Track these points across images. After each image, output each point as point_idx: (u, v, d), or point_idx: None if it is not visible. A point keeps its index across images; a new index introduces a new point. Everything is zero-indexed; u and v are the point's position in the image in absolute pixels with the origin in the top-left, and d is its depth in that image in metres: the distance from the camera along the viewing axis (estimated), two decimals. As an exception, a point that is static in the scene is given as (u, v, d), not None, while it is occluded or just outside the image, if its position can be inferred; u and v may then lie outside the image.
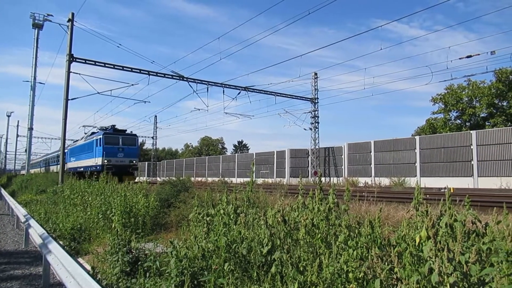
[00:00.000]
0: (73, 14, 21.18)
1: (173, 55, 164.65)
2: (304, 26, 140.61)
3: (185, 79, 26.71)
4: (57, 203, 13.52)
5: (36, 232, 6.86)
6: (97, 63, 23.17)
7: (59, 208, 12.17)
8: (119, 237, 5.52)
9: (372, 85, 44.18)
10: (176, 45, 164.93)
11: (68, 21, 21.17)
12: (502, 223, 2.68)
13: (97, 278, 4.68)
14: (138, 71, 25.00)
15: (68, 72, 20.97)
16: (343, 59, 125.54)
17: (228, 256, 3.77)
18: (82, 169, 28.40)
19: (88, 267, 5.37)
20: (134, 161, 26.74)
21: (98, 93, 24.24)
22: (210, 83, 28.07)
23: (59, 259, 4.61)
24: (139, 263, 4.93)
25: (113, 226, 7.98)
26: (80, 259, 6.91)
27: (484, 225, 2.86)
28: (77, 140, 36.25)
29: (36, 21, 37.69)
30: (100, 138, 26.03)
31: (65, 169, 34.47)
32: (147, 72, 25.13)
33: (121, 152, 25.87)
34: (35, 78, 40.19)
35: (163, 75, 25.89)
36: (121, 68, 24.42)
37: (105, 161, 24.79)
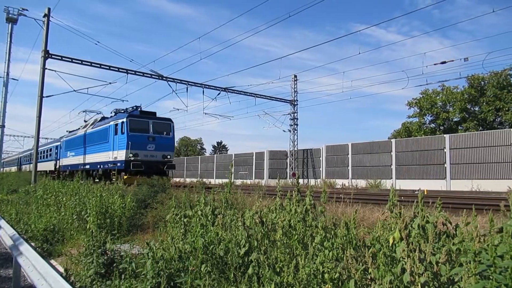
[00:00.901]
0: (49, 9, 20.74)
1: (152, 54, 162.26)
2: (285, 28, 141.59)
3: (164, 78, 26.38)
4: (29, 203, 13.12)
5: (7, 233, 6.62)
6: (73, 60, 22.57)
7: (31, 208, 11.82)
8: (94, 238, 5.41)
9: (350, 88, 45.11)
10: (155, 44, 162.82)
11: (44, 16, 20.69)
12: (471, 224, 2.78)
13: (71, 280, 4.58)
14: (116, 69, 24.50)
15: (43, 68, 20.46)
16: (323, 62, 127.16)
17: (205, 258, 3.76)
18: (88, 166, 22.54)
19: (61, 269, 5.25)
20: (169, 156, 19.72)
21: (74, 90, 23.59)
22: (189, 83, 27.82)
23: (30, 261, 4.48)
24: (115, 264, 4.85)
25: (88, 227, 7.81)
26: (53, 261, 6.73)
27: (454, 227, 2.96)
28: (75, 130, 27.88)
29: (10, 15, 36.47)
30: (123, 122, 18.69)
31: (57, 166, 30.02)
32: (125, 71, 24.62)
33: (152, 143, 18.95)
34: (8, 74, 38.94)
35: (142, 74, 25.46)
36: (98, 66, 23.85)
37: (130, 155, 17.91)
